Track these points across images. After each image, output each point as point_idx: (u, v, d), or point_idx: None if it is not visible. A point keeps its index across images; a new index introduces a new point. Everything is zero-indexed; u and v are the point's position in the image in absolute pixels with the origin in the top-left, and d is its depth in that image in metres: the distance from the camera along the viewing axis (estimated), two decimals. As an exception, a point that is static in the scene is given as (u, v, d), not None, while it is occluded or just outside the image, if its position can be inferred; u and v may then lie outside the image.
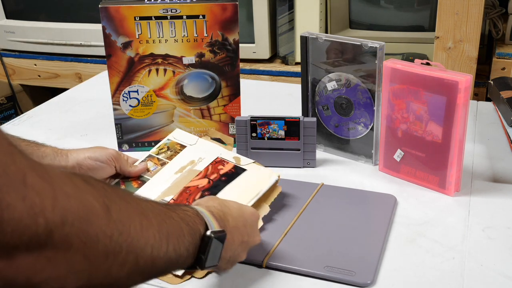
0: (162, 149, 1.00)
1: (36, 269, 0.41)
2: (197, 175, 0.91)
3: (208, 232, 0.60)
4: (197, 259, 0.60)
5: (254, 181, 0.88)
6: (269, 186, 0.87)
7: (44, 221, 0.40)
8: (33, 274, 0.41)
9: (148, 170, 0.96)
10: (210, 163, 0.92)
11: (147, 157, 0.99)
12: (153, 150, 1.00)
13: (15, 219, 0.39)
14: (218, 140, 1.02)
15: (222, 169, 0.91)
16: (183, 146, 0.99)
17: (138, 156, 1.00)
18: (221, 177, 0.89)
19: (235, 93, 1.10)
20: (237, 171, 0.90)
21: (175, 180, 0.91)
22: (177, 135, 1.02)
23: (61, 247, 0.42)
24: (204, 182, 0.89)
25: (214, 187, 0.88)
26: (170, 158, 0.97)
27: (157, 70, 1.07)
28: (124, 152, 1.11)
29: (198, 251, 0.59)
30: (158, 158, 0.98)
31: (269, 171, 0.90)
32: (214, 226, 0.62)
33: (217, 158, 0.94)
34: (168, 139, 1.01)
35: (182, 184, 0.90)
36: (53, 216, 0.41)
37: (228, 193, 0.86)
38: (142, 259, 0.51)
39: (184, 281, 0.74)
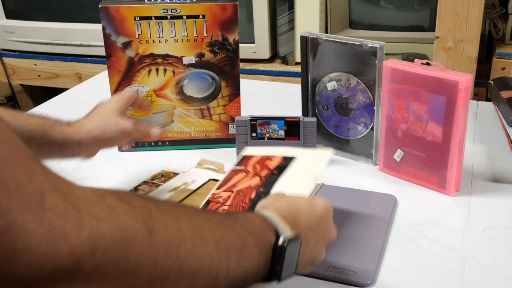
0: (156, 176, 1.02)
1: None
2: (245, 175, 0.85)
3: (281, 241, 0.54)
4: (271, 271, 0.53)
5: (308, 164, 0.82)
6: (325, 164, 0.80)
7: (68, 248, 0.35)
8: None
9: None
10: (257, 161, 0.86)
11: (141, 183, 1.00)
12: (148, 177, 1.02)
13: (31, 247, 0.33)
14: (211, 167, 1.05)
15: (271, 163, 0.85)
16: (176, 174, 1.02)
17: (140, 158, 1.00)
18: (272, 172, 0.84)
19: (235, 93, 1.10)
20: (287, 162, 0.84)
21: (169, 196, 0.93)
22: (170, 165, 1.05)
23: (94, 279, 0.37)
24: (256, 181, 0.83)
25: (268, 184, 0.81)
26: (164, 182, 1.00)
27: (157, 70, 1.07)
28: (124, 152, 1.12)
29: (271, 263, 0.53)
30: (152, 182, 1.00)
31: (319, 150, 0.87)
32: (286, 232, 0.55)
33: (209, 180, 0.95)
34: (162, 170, 1.04)
35: (177, 199, 0.91)
36: (79, 242, 0.36)
37: (284, 184, 0.80)
38: (198, 282, 0.44)
39: None
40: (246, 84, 1.23)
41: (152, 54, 1.06)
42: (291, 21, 1.73)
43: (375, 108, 1.01)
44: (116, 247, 0.38)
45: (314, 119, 1.02)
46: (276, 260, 0.53)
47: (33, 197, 0.35)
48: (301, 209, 0.62)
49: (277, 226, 0.55)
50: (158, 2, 1.04)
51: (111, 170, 1.05)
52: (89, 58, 1.94)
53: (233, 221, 0.52)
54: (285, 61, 1.77)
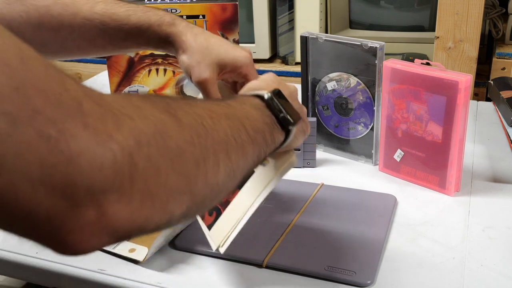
0: None
1: (134, 209, 0.37)
2: None
3: (266, 96, 0.59)
4: (280, 123, 0.58)
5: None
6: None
7: (117, 146, 0.36)
8: (134, 216, 0.37)
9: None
10: None
11: None
12: None
13: (85, 150, 0.35)
14: None
15: None
16: None
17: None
18: None
19: (235, 93, 1.10)
20: None
21: None
22: None
23: (149, 172, 0.38)
24: None
25: None
26: None
27: (157, 70, 1.07)
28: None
29: (274, 116, 0.58)
30: None
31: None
32: (264, 91, 0.60)
33: None
34: None
35: None
36: (124, 139, 0.37)
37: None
38: (230, 151, 0.48)
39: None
40: (246, 84, 1.23)
41: (152, 54, 1.06)
42: (291, 21, 1.73)
43: (375, 108, 1.01)
44: (155, 138, 0.40)
45: (314, 119, 1.02)
46: (276, 112, 0.59)
47: (72, 105, 0.36)
48: (263, 77, 0.67)
49: (254, 93, 0.60)
50: (158, 2, 1.04)
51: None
52: (89, 58, 1.94)
53: (228, 103, 0.55)
54: (285, 61, 1.77)
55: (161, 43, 0.77)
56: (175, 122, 0.43)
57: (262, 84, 0.65)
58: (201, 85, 0.75)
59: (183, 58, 0.75)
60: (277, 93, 0.61)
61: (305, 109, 0.69)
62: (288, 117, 0.59)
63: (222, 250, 0.67)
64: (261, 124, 0.56)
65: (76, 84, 0.39)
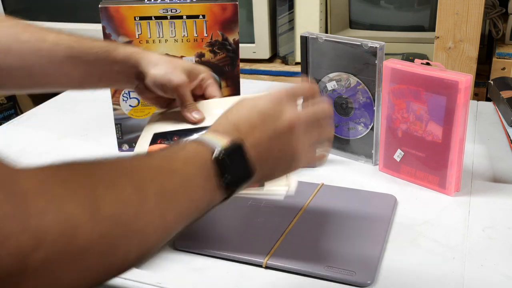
0: None
1: None
2: None
3: (215, 154, 0.53)
4: (225, 185, 0.53)
5: None
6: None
7: (13, 249, 0.34)
8: None
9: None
10: None
11: None
12: None
13: None
14: None
15: None
16: None
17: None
18: None
19: (235, 93, 1.10)
20: None
21: None
22: None
23: (43, 273, 0.37)
24: None
25: None
26: None
27: (157, 70, 1.07)
28: (124, 152, 1.12)
29: (219, 178, 0.53)
30: None
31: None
32: (220, 143, 0.55)
33: None
34: None
35: None
36: (24, 240, 0.35)
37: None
38: (148, 238, 0.46)
39: None
40: (246, 84, 1.23)
41: (152, 54, 1.06)
42: (291, 21, 1.73)
43: (375, 108, 1.01)
44: (60, 238, 0.37)
45: (314, 119, 1.02)
46: (222, 173, 0.53)
47: None
48: (239, 113, 0.61)
49: (209, 143, 0.55)
50: (158, 2, 1.04)
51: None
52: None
53: (171, 160, 0.52)
54: (285, 61, 1.77)
55: (128, 65, 0.80)
56: (90, 219, 0.40)
57: (226, 127, 0.59)
58: (181, 89, 0.79)
59: (155, 71, 0.79)
60: (235, 148, 0.55)
61: (305, 151, 0.62)
62: (235, 178, 0.55)
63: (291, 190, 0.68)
64: (200, 194, 0.53)
65: None
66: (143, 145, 0.80)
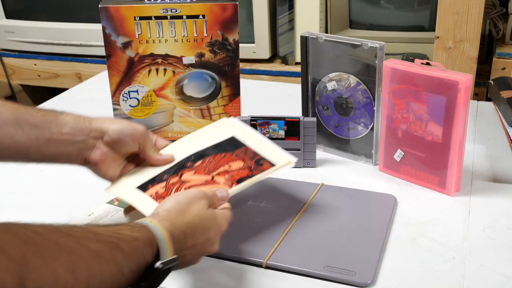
0: None
1: None
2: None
3: (158, 264, 0.57)
4: (137, 284, 0.57)
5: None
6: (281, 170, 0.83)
7: None
8: None
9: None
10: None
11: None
12: None
13: None
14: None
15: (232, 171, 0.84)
16: None
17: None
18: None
19: (235, 93, 1.10)
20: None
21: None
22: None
23: None
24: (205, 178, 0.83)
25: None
26: None
27: (157, 70, 1.07)
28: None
29: (138, 280, 0.56)
30: None
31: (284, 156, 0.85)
32: (167, 255, 0.59)
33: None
34: None
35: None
36: None
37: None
38: None
39: None
40: (246, 84, 1.23)
41: (152, 54, 1.06)
42: (291, 21, 1.73)
43: (375, 108, 1.01)
44: None
45: (314, 119, 1.02)
46: (144, 278, 0.57)
47: None
48: (195, 232, 0.65)
49: (160, 249, 0.58)
50: (158, 2, 1.04)
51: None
52: (89, 58, 1.94)
53: (115, 247, 0.54)
54: (285, 61, 1.77)
55: (80, 126, 0.77)
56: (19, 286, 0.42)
57: (174, 226, 0.63)
58: (146, 134, 0.81)
59: (116, 126, 0.78)
60: (172, 265, 0.59)
61: (194, 263, 0.68)
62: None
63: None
64: (125, 283, 0.55)
65: None
66: (138, 202, 0.80)
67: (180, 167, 0.83)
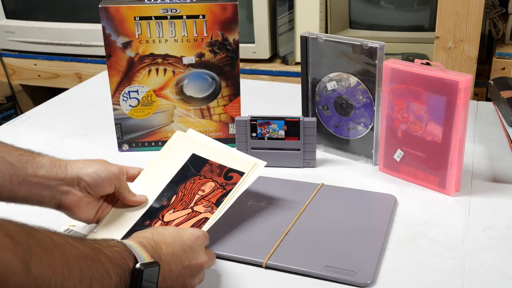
0: None
1: None
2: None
3: (137, 265, 0.59)
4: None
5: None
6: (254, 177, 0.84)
7: None
8: None
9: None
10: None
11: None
12: None
13: None
14: None
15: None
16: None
17: (139, 158, 1.00)
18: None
19: (235, 93, 1.10)
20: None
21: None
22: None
23: None
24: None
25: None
26: None
27: (157, 70, 1.07)
28: (124, 152, 1.12)
29: (129, 287, 0.59)
30: None
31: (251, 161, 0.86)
32: (144, 257, 0.61)
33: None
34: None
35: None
36: None
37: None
38: None
39: None
40: (246, 84, 1.23)
41: (152, 54, 1.06)
42: (291, 21, 1.73)
43: (375, 108, 1.01)
44: None
45: (314, 119, 1.02)
46: (133, 284, 0.59)
47: None
48: (164, 236, 0.67)
49: (135, 253, 0.61)
50: (158, 2, 1.04)
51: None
52: (89, 58, 1.94)
53: (98, 251, 0.57)
54: (285, 61, 1.77)
55: (54, 171, 0.77)
56: (23, 271, 0.46)
57: (151, 244, 0.65)
58: (122, 176, 0.82)
59: (91, 169, 0.79)
60: (153, 266, 0.61)
61: (193, 283, 0.70)
62: None
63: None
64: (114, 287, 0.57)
65: None
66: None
67: (159, 209, 0.84)
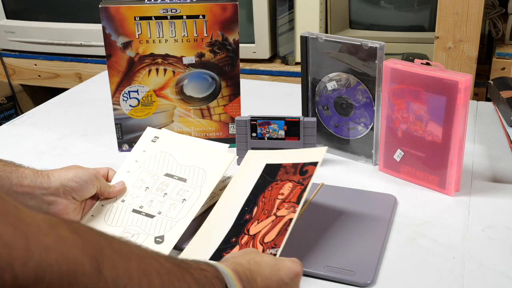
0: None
1: None
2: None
3: None
4: None
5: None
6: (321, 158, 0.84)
7: (11, 277, 0.35)
8: None
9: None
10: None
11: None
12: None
13: None
14: None
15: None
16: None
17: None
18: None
19: (235, 93, 1.10)
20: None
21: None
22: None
23: None
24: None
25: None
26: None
27: (157, 70, 1.07)
28: (124, 152, 1.12)
29: None
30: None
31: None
32: (235, 287, 0.55)
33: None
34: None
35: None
36: (24, 271, 0.36)
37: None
38: None
39: None
40: (246, 84, 1.23)
41: (152, 54, 1.06)
42: (291, 21, 1.73)
43: (375, 108, 1.01)
44: (61, 279, 0.38)
45: (314, 119, 1.02)
46: None
47: None
48: (262, 267, 0.61)
49: (227, 281, 0.55)
50: (158, 2, 1.04)
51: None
52: (89, 58, 1.94)
53: (184, 270, 0.52)
54: (285, 61, 1.77)
55: (38, 180, 0.78)
56: (94, 272, 0.41)
57: (247, 275, 0.59)
58: (99, 174, 0.85)
59: (72, 176, 0.80)
60: None
61: None
62: None
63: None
64: None
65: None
66: None
67: (243, 224, 0.81)
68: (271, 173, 0.87)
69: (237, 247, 0.77)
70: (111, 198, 0.88)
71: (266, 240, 0.76)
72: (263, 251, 0.74)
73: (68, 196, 0.80)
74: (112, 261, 0.43)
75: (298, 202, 0.79)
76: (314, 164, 0.83)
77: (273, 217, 0.80)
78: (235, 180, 0.90)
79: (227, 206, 0.85)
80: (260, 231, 0.78)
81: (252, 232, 0.79)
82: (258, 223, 0.80)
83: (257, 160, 0.90)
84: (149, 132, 0.97)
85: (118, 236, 0.50)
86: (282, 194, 0.82)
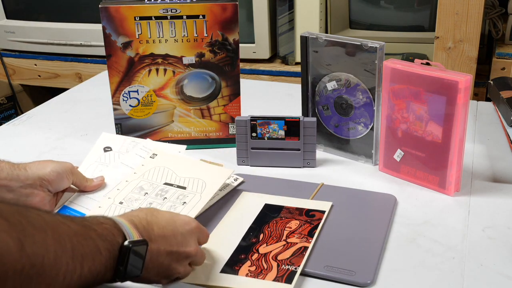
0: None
1: None
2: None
3: (125, 243, 0.60)
4: (116, 271, 0.60)
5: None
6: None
7: None
8: None
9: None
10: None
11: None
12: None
13: None
14: None
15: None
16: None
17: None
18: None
19: (235, 93, 1.10)
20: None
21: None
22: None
23: None
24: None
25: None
26: None
27: (157, 70, 1.07)
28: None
29: (116, 263, 0.60)
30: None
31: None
32: (132, 236, 0.61)
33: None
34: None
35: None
36: None
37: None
38: (54, 286, 0.52)
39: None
40: (246, 84, 1.23)
41: (152, 54, 1.06)
42: (291, 21, 1.73)
43: (375, 108, 1.01)
44: None
45: (314, 119, 1.02)
46: (120, 261, 0.60)
47: None
48: (158, 218, 0.67)
49: (125, 230, 0.62)
50: (158, 2, 1.04)
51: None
52: (89, 58, 1.94)
53: (88, 228, 0.58)
54: (285, 61, 1.77)
55: (15, 173, 0.80)
56: (17, 250, 0.48)
57: (143, 223, 0.65)
58: (74, 168, 0.88)
59: (49, 169, 0.83)
60: (142, 245, 0.62)
61: (180, 272, 0.69)
62: (126, 273, 0.61)
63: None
64: (100, 266, 0.58)
65: None
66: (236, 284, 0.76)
67: (250, 245, 0.79)
68: (272, 210, 0.87)
69: (248, 262, 0.75)
70: (94, 194, 0.90)
71: (280, 258, 0.76)
72: (279, 267, 0.74)
73: (44, 189, 0.82)
74: (32, 237, 0.50)
75: (310, 235, 0.80)
76: (322, 212, 0.86)
77: (283, 242, 0.79)
78: (230, 214, 0.88)
79: (228, 229, 0.84)
80: (271, 251, 0.78)
81: (262, 251, 0.78)
82: (267, 245, 0.79)
83: (254, 200, 0.90)
84: (105, 137, 1.02)
85: (34, 208, 0.56)
86: (290, 227, 0.83)
